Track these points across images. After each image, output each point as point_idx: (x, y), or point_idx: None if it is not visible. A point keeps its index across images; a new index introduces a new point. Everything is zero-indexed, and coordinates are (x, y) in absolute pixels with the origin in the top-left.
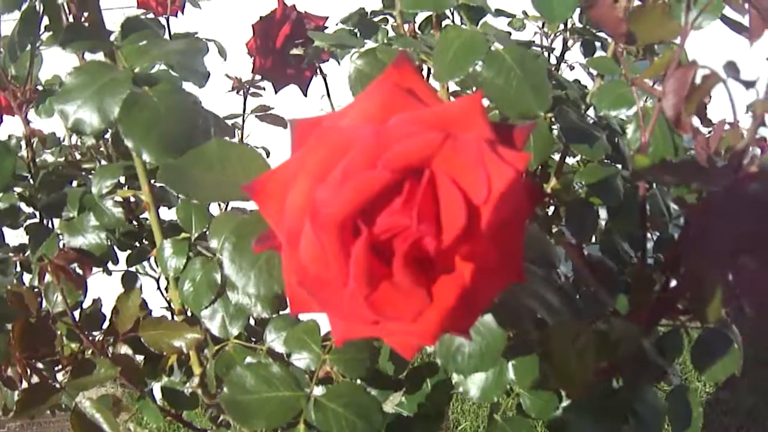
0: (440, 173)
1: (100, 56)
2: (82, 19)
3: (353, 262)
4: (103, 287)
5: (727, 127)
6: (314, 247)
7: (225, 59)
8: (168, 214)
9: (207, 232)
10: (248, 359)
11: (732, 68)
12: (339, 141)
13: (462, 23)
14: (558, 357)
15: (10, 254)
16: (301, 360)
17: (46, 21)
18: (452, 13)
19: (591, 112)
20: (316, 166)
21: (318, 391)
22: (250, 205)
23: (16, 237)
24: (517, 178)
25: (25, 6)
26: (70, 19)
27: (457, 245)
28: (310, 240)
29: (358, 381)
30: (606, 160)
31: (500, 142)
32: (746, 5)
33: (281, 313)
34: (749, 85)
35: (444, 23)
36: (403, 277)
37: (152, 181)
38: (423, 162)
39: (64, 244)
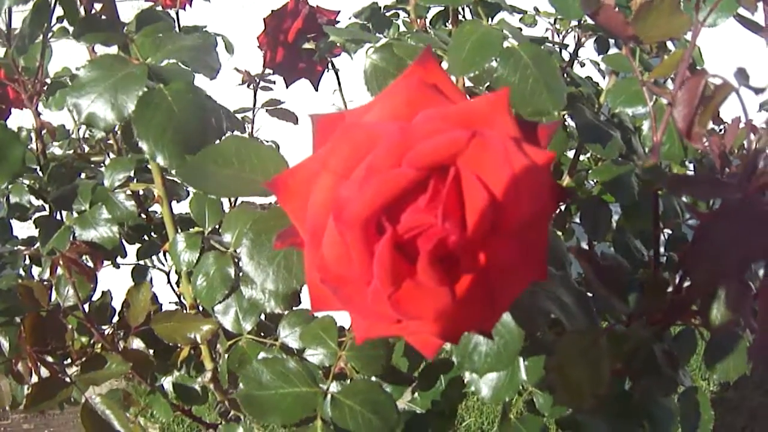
0: (465, 171)
1: (112, 49)
2: (93, 11)
3: (377, 260)
4: (111, 280)
5: (741, 125)
6: (338, 245)
7: (232, 54)
8: (177, 207)
9: (220, 227)
10: (262, 354)
11: (742, 75)
12: (363, 138)
13: (473, 18)
14: (568, 369)
15: (20, 247)
16: (315, 356)
17: (57, 13)
18: (463, 9)
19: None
20: (340, 163)
21: (334, 387)
22: (261, 200)
23: (23, 229)
24: (543, 176)
25: None
26: (81, 10)
27: (482, 243)
28: (333, 238)
29: (373, 378)
30: (618, 158)
31: (525, 139)
32: (758, 3)
33: (294, 308)
34: (759, 91)
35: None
36: (427, 276)
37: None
38: (449, 159)
39: (74, 237)
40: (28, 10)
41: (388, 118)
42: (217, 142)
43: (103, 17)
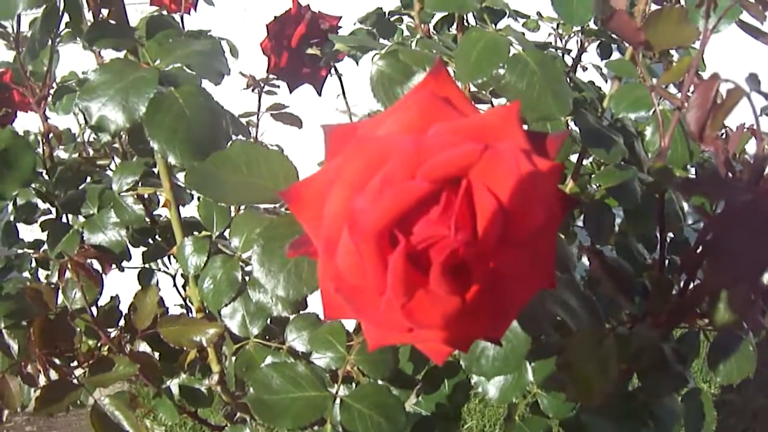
0: (477, 183)
1: (119, 54)
2: (101, 16)
3: (391, 271)
4: (117, 283)
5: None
6: (352, 255)
7: (237, 58)
8: (183, 211)
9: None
10: (269, 358)
11: (754, 80)
12: (377, 150)
13: (477, 23)
14: (578, 366)
15: (26, 250)
16: (322, 359)
17: (64, 17)
18: (467, 15)
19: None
20: (354, 175)
21: (343, 391)
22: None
23: (29, 232)
24: (551, 187)
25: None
26: (89, 16)
27: (493, 253)
28: (347, 249)
29: (380, 381)
30: (621, 162)
31: (534, 150)
32: (766, 12)
33: (301, 312)
34: None
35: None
36: (439, 286)
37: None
38: (461, 172)
39: (82, 240)
40: (34, 13)
41: (402, 131)
42: (225, 146)
43: (112, 22)
